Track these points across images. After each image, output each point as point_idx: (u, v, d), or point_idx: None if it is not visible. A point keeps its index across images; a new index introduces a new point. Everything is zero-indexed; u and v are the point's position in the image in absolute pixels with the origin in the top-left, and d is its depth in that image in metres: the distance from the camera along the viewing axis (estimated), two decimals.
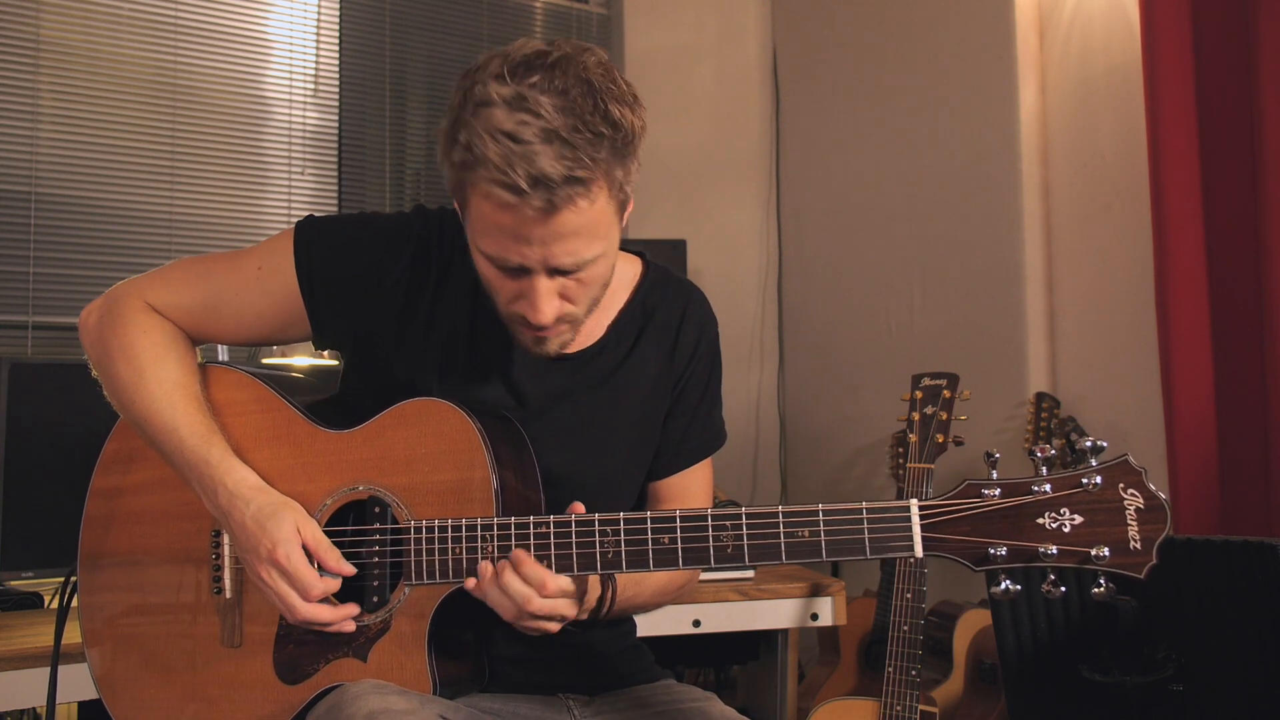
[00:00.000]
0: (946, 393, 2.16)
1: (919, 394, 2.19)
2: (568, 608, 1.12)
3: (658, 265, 1.38)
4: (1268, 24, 2.15)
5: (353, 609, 1.19)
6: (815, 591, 2.11)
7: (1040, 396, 2.62)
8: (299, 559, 1.16)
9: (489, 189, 1.04)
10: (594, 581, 1.18)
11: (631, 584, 1.26)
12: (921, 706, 2.08)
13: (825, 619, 2.12)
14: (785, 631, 2.17)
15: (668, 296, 1.35)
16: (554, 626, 1.14)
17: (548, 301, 1.12)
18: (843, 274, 3.51)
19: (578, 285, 1.14)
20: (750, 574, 2.11)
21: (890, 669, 2.10)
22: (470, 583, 1.13)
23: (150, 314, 1.31)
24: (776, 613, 2.10)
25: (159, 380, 1.26)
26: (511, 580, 1.10)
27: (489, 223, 1.08)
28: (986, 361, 2.85)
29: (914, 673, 2.08)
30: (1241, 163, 2.24)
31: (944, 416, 2.15)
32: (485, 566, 1.12)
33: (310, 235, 1.29)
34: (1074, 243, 2.73)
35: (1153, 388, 2.39)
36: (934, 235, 3.10)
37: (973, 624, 2.48)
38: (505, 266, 1.11)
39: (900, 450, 2.39)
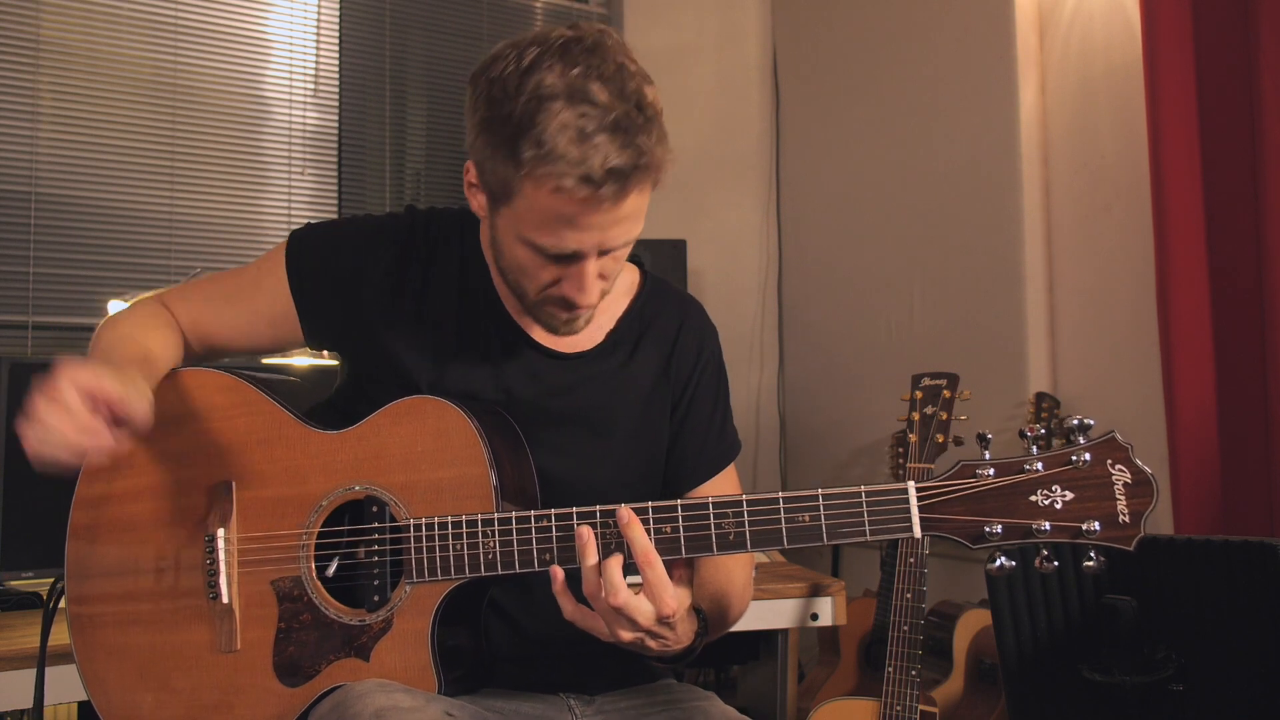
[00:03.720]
0: (946, 393, 2.17)
1: (919, 394, 2.19)
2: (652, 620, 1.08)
3: (655, 276, 1.40)
4: (1268, 24, 2.15)
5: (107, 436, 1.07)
6: (815, 591, 2.11)
7: (1040, 396, 2.62)
8: (72, 396, 1.04)
9: (560, 182, 1.06)
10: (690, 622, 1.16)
11: (718, 616, 1.28)
12: (921, 706, 2.07)
13: (825, 619, 2.11)
14: (785, 631, 2.17)
15: (666, 307, 1.37)
16: (626, 634, 1.09)
17: (594, 282, 1.17)
18: (843, 274, 3.50)
19: (613, 261, 1.18)
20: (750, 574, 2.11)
21: (890, 669, 2.10)
22: (558, 576, 1.10)
23: (156, 304, 1.36)
24: (776, 613, 2.10)
25: (128, 337, 1.28)
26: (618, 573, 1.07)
27: (549, 214, 1.10)
28: (986, 361, 2.85)
29: (914, 673, 2.08)
30: (1242, 162, 2.24)
31: (944, 416, 2.15)
32: (585, 532, 1.09)
33: (302, 239, 1.34)
34: (1074, 243, 2.73)
35: (1153, 387, 2.39)
36: (934, 235, 3.10)
37: (973, 624, 2.48)
38: (559, 254, 1.13)
39: (900, 450, 2.39)
